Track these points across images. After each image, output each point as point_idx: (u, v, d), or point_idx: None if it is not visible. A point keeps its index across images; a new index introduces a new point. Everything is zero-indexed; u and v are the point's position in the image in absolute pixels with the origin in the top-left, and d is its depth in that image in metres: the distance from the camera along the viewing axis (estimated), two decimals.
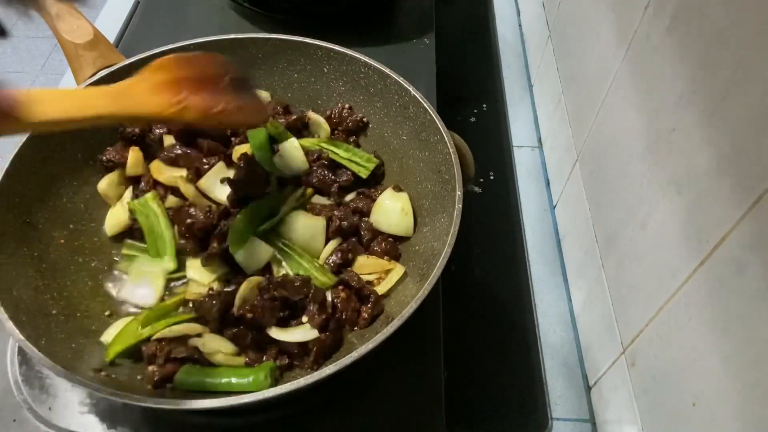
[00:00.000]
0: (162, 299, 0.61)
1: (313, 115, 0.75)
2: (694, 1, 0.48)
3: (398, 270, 0.62)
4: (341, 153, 0.71)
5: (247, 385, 0.53)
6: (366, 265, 0.63)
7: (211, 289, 0.60)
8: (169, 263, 0.63)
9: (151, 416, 0.58)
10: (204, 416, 0.58)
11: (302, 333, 0.57)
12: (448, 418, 0.59)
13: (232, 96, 0.57)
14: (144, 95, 0.53)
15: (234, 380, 0.53)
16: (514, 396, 0.68)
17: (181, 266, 0.63)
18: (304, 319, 0.58)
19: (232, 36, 0.72)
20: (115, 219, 0.66)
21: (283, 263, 0.62)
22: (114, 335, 0.57)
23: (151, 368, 0.54)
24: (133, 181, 0.69)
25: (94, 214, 0.66)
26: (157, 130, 0.70)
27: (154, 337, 0.56)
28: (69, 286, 0.60)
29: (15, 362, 0.60)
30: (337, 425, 0.59)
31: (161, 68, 0.55)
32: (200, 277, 0.61)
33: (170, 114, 0.54)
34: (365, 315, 0.59)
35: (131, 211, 0.65)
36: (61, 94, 0.50)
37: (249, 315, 0.56)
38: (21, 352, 0.60)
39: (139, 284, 0.62)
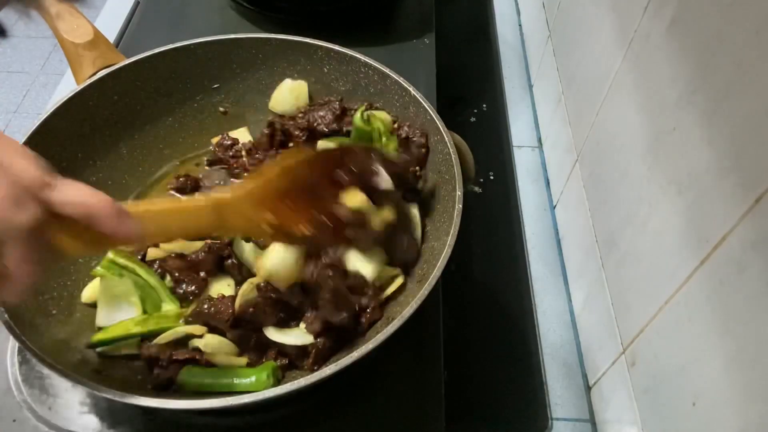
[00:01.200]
0: (144, 311, 0.59)
1: (383, 116, 0.70)
2: (694, 2, 0.48)
3: (399, 280, 0.62)
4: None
5: (250, 385, 0.53)
6: None
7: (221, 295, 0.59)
8: (170, 306, 0.60)
9: (151, 416, 0.58)
10: (204, 416, 0.58)
11: (298, 337, 0.57)
12: (448, 418, 0.59)
13: (332, 204, 0.52)
14: (246, 212, 0.50)
15: (236, 380, 0.53)
16: (514, 396, 0.68)
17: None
18: (302, 325, 0.57)
19: (232, 36, 0.72)
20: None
21: None
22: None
23: (156, 371, 0.54)
24: None
25: None
26: None
27: (155, 341, 0.56)
28: (69, 286, 0.60)
29: (15, 362, 0.60)
30: (338, 425, 0.58)
31: (277, 176, 0.51)
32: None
33: (260, 233, 0.52)
34: (363, 321, 0.58)
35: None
36: (165, 213, 0.46)
37: (251, 309, 0.56)
38: (21, 352, 0.60)
39: (115, 307, 0.59)
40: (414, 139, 0.68)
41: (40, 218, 0.35)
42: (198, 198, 0.52)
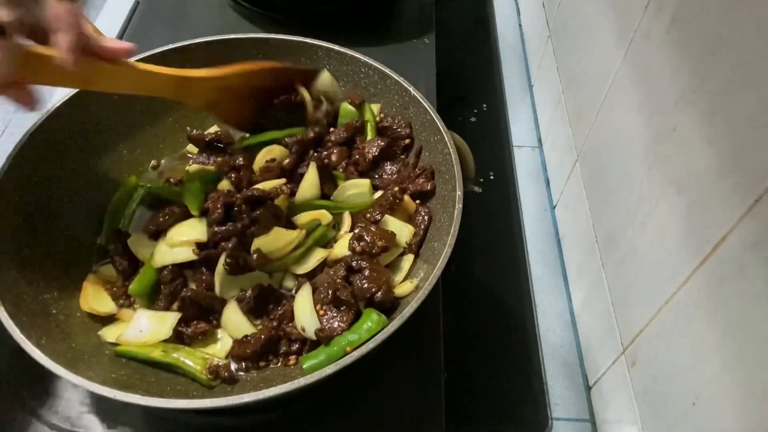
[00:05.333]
0: None
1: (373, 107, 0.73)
2: (694, 1, 0.48)
3: (408, 258, 0.62)
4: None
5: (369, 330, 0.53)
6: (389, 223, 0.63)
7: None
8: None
9: (152, 416, 0.58)
10: (204, 416, 0.58)
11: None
12: (448, 418, 0.59)
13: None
14: (202, 93, 0.62)
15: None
16: (514, 396, 0.68)
17: None
18: None
19: (232, 36, 0.72)
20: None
21: None
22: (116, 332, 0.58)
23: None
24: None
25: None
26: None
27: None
28: (69, 286, 0.60)
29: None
30: (337, 425, 0.58)
31: (237, 75, 0.64)
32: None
33: (211, 109, 0.65)
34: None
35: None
36: (140, 74, 0.56)
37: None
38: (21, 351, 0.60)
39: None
40: (397, 129, 0.70)
41: (19, 18, 0.43)
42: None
